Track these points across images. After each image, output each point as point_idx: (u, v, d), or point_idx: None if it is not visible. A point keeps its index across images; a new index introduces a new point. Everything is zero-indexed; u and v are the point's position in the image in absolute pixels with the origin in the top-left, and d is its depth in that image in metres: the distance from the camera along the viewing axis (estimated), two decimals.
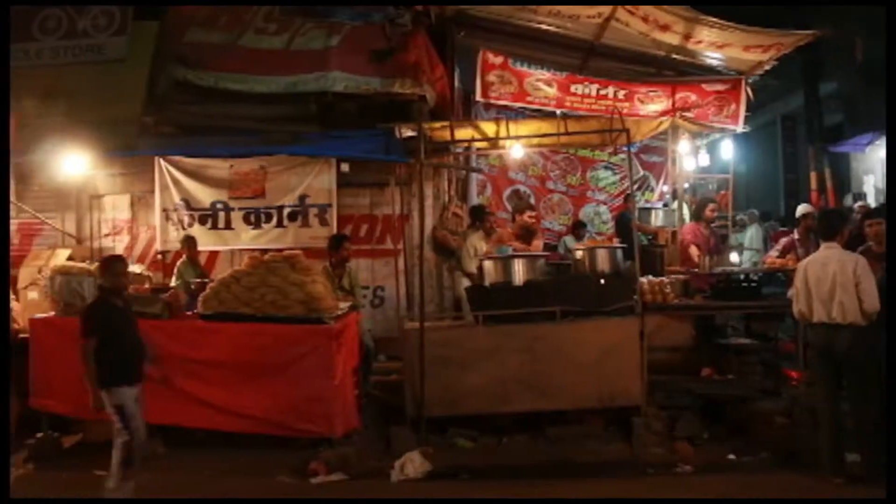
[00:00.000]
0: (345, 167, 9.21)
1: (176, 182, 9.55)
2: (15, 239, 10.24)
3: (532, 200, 11.20)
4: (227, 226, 9.56)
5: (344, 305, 7.47)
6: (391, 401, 7.77)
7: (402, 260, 9.10)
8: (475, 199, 10.79)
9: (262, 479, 6.60)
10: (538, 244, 8.39)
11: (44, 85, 8.73)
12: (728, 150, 10.90)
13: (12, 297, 8.21)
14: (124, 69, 8.52)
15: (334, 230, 9.22)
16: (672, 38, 8.94)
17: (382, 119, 8.11)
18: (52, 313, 7.67)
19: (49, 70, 8.71)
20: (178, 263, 9.18)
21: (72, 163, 8.34)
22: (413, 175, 8.86)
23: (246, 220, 9.52)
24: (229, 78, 8.33)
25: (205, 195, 9.55)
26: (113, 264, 6.19)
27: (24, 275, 9.06)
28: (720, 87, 9.57)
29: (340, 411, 6.87)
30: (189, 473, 6.80)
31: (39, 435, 7.48)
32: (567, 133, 8.36)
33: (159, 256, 9.82)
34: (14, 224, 10.15)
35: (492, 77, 9.38)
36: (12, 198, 9.52)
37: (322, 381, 6.80)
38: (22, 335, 7.85)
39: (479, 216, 9.47)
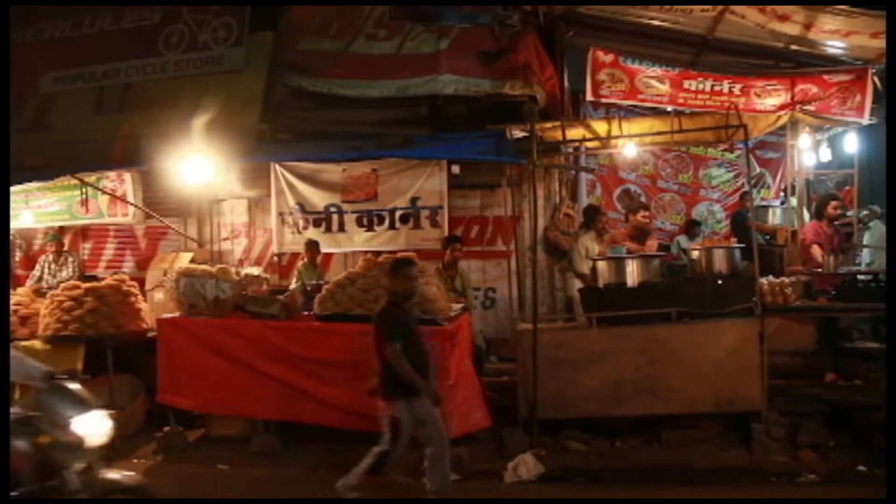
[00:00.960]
0: (455, 169, 9.35)
1: (291, 186, 9.91)
2: (142, 243, 10.85)
3: (643, 200, 11.06)
4: (341, 228, 9.85)
5: (457, 307, 7.57)
6: (502, 402, 7.79)
7: (513, 261, 9.13)
8: (585, 200, 10.73)
9: (375, 477, 6.75)
10: (652, 244, 8.28)
11: (167, 96, 9.16)
12: (852, 144, 10.46)
13: (140, 297, 8.69)
14: (242, 79, 8.82)
15: (445, 232, 9.36)
16: (791, 29, 8.62)
17: (492, 120, 8.14)
18: (178, 313, 8.06)
19: (172, 82, 9.11)
20: (299, 265, 9.51)
21: (193, 170, 8.74)
22: (524, 176, 8.91)
23: (358, 222, 9.78)
24: (342, 84, 8.53)
25: (319, 199, 9.87)
26: (404, 268, 6.01)
27: (150, 277, 9.59)
28: (844, 77, 9.16)
29: (455, 412, 6.94)
30: (305, 469, 7.07)
31: (167, 429, 7.88)
32: (681, 130, 8.20)
33: (275, 259, 10.20)
34: (141, 229, 10.76)
35: (602, 75, 9.31)
36: (141, 204, 10.08)
37: (439, 382, 6.90)
38: (150, 334, 8.30)
39: (592, 217, 9.43)
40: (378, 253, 8.41)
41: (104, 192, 9.99)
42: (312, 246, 9.55)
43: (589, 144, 8.74)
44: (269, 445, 7.56)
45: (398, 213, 9.68)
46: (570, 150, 8.86)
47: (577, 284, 8.92)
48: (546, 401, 7.05)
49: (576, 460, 6.81)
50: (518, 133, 8.23)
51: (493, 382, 8.38)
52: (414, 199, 9.61)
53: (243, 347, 7.49)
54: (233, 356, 7.52)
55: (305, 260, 9.53)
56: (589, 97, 9.51)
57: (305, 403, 7.32)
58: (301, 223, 9.96)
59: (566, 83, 9.42)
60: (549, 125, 8.29)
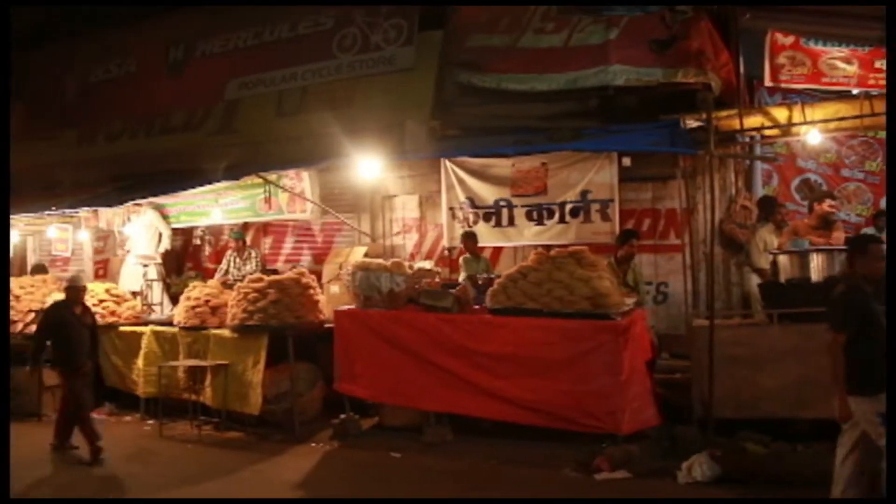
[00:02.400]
0: (626, 161, 9.24)
1: (461, 181, 10.12)
2: (319, 238, 11.39)
3: (825, 189, 10.47)
4: (510, 223, 9.96)
5: (630, 301, 7.50)
6: (675, 399, 7.66)
7: (687, 255, 8.92)
8: (760, 191, 10.30)
9: (546, 471, 6.80)
10: (839, 236, 7.83)
11: (341, 97, 9.57)
12: None
13: (318, 289, 9.15)
14: (412, 77, 9.07)
15: (616, 225, 9.27)
16: None
17: (665, 111, 7.98)
18: (353, 305, 8.44)
19: (346, 83, 9.51)
20: (461, 258, 9.70)
21: (366, 167, 9.09)
22: (698, 167, 8.69)
23: (528, 216, 9.85)
24: (511, 78, 8.61)
25: (488, 193, 10.03)
26: (873, 246, 5.30)
27: (326, 270, 10.07)
28: None
29: (627, 408, 6.90)
30: (476, 461, 7.18)
31: (342, 416, 8.27)
32: (873, 114, 7.71)
33: (446, 253, 10.44)
34: (317, 224, 11.30)
35: (782, 59, 8.93)
36: (318, 201, 10.59)
37: (608, 378, 6.88)
38: (327, 325, 8.73)
39: (770, 208, 9.04)
40: (548, 247, 8.47)
41: (284, 190, 10.57)
42: (470, 238, 9.73)
43: (766, 132, 8.40)
44: (440, 436, 7.78)
45: (568, 207, 9.67)
46: (746, 138, 8.55)
47: (755, 279, 8.59)
48: (722, 400, 6.85)
49: (754, 463, 6.56)
50: (692, 123, 8.02)
51: (665, 379, 8.22)
52: (584, 193, 9.57)
53: (416, 339, 7.74)
54: (406, 348, 7.79)
55: (467, 253, 9.72)
56: (767, 82, 9.13)
57: (476, 396, 7.48)
58: (471, 218, 10.15)
59: (741, 69, 9.08)
60: (724, 113, 8.03)
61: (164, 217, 11.71)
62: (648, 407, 7.15)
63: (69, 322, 8.01)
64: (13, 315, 10.75)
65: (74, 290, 8.22)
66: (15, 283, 11.56)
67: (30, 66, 13.55)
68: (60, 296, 10.97)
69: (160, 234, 11.93)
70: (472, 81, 8.78)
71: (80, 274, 8.80)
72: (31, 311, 10.61)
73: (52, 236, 12.63)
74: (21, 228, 12.77)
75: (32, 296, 11.33)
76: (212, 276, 11.10)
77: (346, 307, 8.47)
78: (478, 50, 8.90)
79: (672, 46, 8.31)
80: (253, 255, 10.89)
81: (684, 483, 6.31)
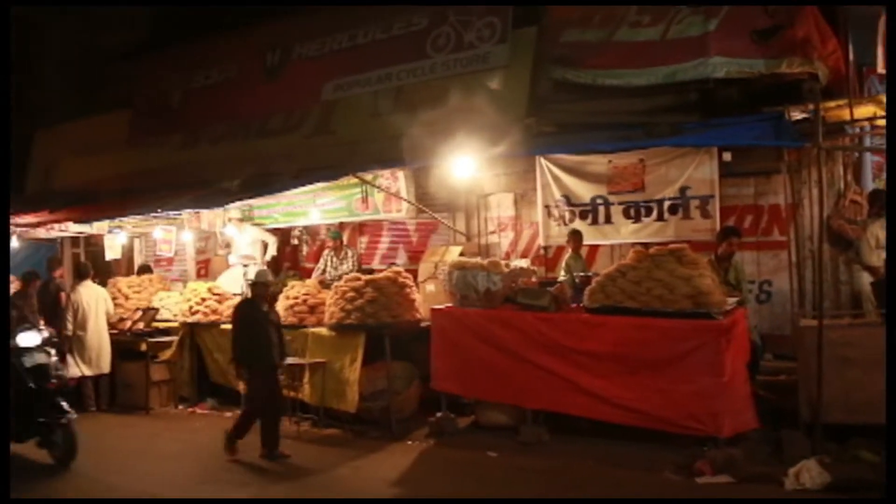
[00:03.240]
0: (727, 156, 8.99)
1: (556, 179, 10.04)
2: (414, 237, 11.49)
3: None
4: (607, 220, 9.83)
5: (732, 300, 7.30)
6: (780, 402, 7.43)
7: (792, 252, 8.62)
8: (870, 184, 9.87)
9: (646, 474, 6.69)
10: None
11: (436, 96, 9.61)
12: None
13: (414, 288, 9.21)
14: (507, 75, 9.05)
15: (717, 222, 9.05)
16: None
17: (768, 102, 7.72)
18: (450, 304, 8.47)
19: (441, 82, 9.55)
20: (566, 257, 9.62)
21: (461, 166, 9.11)
22: (804, 161, 8.39)
23: (625, 213, 9.71)
24: (607, 74, 8.47)
25: (584, 191, 9.92)
26: None
27: (422, 269, 10.14)
28: None
29: (728, 410, 6.71)
30: (572, 461, 7.14)
31: (439, 414, 8.31)
32: None
33: (542, 251, 10.38)
34: (412, 224, 11.40)
35: None
36: (413, 200, 10.67)
37: (709, 379, 6.71)
38: (423, 324, 8.79)
39: (882, 203, 8.65)
40: (647, 245, 8.32)
41: (380, 190, 10.70)
42: (576, 235, 9.64)
43: (877, 122, 8.03)
44: (536, 435, 7.73)
45: (666, 204, 9.49)
46: (856, 129, 8.20)
47: (867, 277, 8.23)
48: (831, 404, 6.60)
49: (867, 472, 6.28)
50: (797, 114, 7.74)
51: (769, 381, 7.99)
52: (683, 189, 9.38)
53: (513, 338, 7.71)
54: (503, 346, 7.78)
55: (570, 251, 9.63)
56: (879, 69, 8.73)
57: (574, 395, 7.41)
58: (567, 215, 10.07)
59: (851, 56, 8.71)
60: (833, 104, 7.72)
61: (252, 218, 11.95)
62: (748, 409, 6.95)
63: (258, 319, 8.01)
64: (122, 313, 11.22)
65: (261, 287, 8.24)
66: (123, 283, 12.08)
67: (136, 75, 14.11)
68: (168, 294, 11.44)
69: (265, 245, 12.26)
70: (568, 77, 8.68)
71: (264, 270, 8.89)
72: (138, 309, 11.06)
73: (157, 237, 13.13)
74: (129, 230, 13.31)
75: (139, 295, 11.81)
76: (309, 276, 11.33)
77: (442, 306, 8.50)
78: (572, 45, 8.79)
79: (775, 36, 8.02)
80: (350, 254, 11.06)
81: (791, 490, 6.09)
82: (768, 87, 7.99)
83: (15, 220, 13.01)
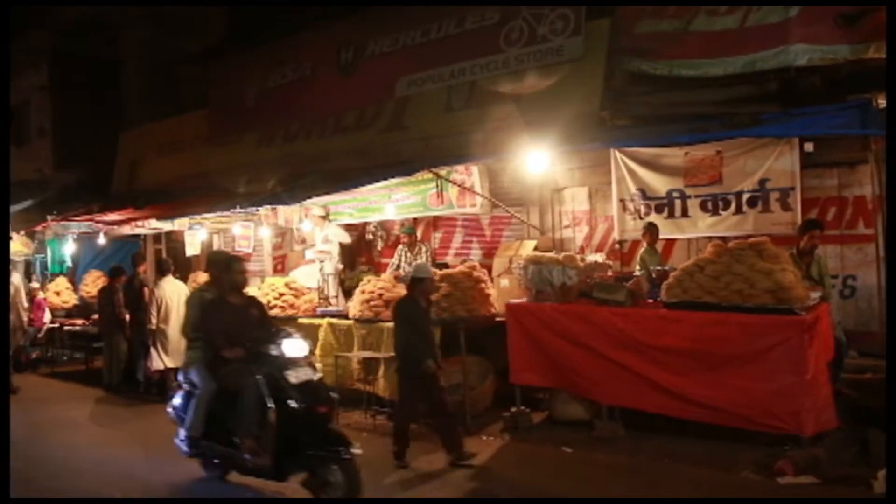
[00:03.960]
0: (808, 146, 8.74)
1: (631, 172, 9.92)
2: (487, 232, 11.50)
3: None
4: (684, 214, 9.67)
5: (815, 295, 7.11)
6: (865, 401, 7.18)
7: (879, 246, 8.35)
8: None
9: (724, 473, 6.56)
10: None
11: (508, 91, 9.62)
12: None
13: (489, 283, 9.22)
14: (581, 67, 9.00)
15: (798, 215, 8.83)
16: None
17: (854, 90, 7.47)
18: (525, 299, 8.46)
19: (514, 76, 9.55)
20: (641, 251, 9.51)
21: (535, 160, 9.08)
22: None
23: (703, 207, 9.54)
24: (683, 64, 8.36)
25: (660, 184, 9.78)
26: None
27: (496, 264, 10.14)
28: None
29: (811, 409, 6.54)
30: (648, 458, 7.05)
31: (513, 409, 8.29)
32: None
33: (617, 245, 10.27)
34: (486, 218, 11.41)
35: None
36: (487, 195, 10.68)
37: (791, 376, 6.55)
38: (498, 319, 8.79)
39: None
40: (725, 238, 8.16)
41: (454, 185, 10.73)
42: (652, 229, 9.52)
43: None
44: (611, 431, 7.67)
45: (745, 196, 9.28)
46: None
47: None
48: None
49: None
50: (884, 102, 7.48)
51: (854, 379, 7.74)
52: (762, 181, 9.15)
53: (589, 333, 7.66)
54: (578, 341, 7.73)
55: (646, 245, 9.52)
56: None
57: (650, 391, 7.32)
58: (642, 209, 9.94)
59: None
60: None
61: (327, 214, 12.10)
62: (829, 408, 6.74)
63: (419, 315, 7.47)
64: None
65: (427, 283, 7.59)
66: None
67: (213, 76, 14.48)
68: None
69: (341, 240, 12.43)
70: (643, 69, 8.59)
71: (423, 264, 8.70)
72: None
73: (236, 233, 13.41)
74: (209, 226, 13.64)
75: None
76: (383, 271, 11.45)
77: (517, 301, 8.50)
78: (647, 36, 8.70)
79: (861, 20, 7.79)
80: (423, 249, 11.13)
81: (881, 493, 5.88)
82: (853, 74, 7.76)
83: (101, 217, 13.49)
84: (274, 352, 6.38)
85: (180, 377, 7.40)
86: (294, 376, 6.26)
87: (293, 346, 6.45)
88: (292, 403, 6.14)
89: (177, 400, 7.26)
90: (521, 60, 9.53)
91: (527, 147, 8.32)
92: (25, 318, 13.23)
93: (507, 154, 8.91)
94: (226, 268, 7.02)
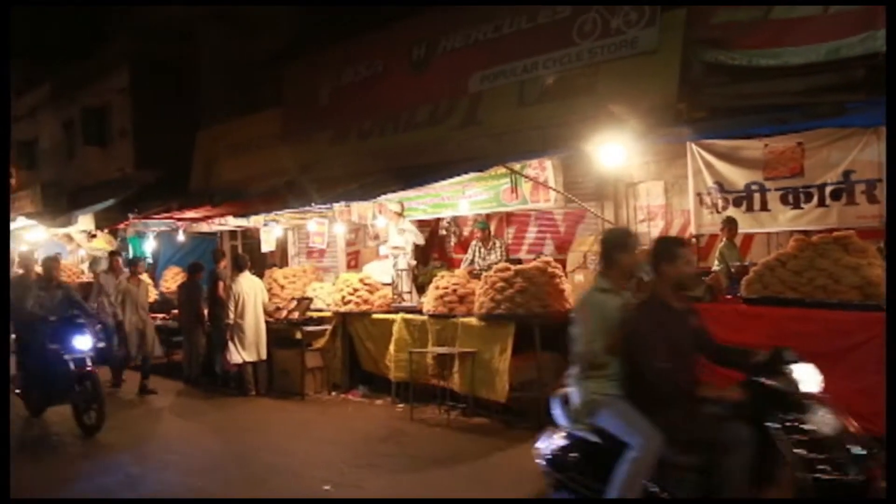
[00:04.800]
0: None
1: (708, 165, 9.76)
2: (561, 227, 11.44)
3: None
4: (763, 207, 9.47)
5: None
6: None
7: None
8: None
9: None
10: None
11: (583, 84, 9.54)
12: None
13: (564, 278, 9.17)
14: (656, 59, 8.88)
15: (885, 208, 8.55)
16: None
17: None
18: None
19: (587, 69, 9.48)
20: (720, 246, 9.35)
21: (610, 154, 8.99)
22: None
23: (783, 200, 9.32)
24: (762, 54, 8.16)
25: (738, 177, 9.60)
26: None
27: (570, 259, 10.09)
28: None
29: None
30: None
31: None
32: None
33: (693, 240, 10.11)
34: (560, 213, 11.35)
35: None
36: (561, 189, 10.62)
37: (876, 375, 6.32)
38: (573, 314, 8.71)
39: None
40: (807, 232, 7.96)
41: (528, 179, 10.70)
42: (731, 223, 9.35)
43: None
44: None
45: (828, 189, 9.03)
46: None
47: None
48: None
49: None
50: None
51: None
52: (847, 173, 8.89)
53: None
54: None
55: (725, 239, 9.35)
56: None
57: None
58: (720, 203, 9.76)
59: None
60: None
61: (401, 212, 12.19)
62: None
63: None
64: (278, 303, 11.75)
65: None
66: (279, 274, 12.64)
67: (287, 75, 14.73)
68: (321, 285, 11.87)
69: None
70: (720, 59, 8.42)
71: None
72: (293, 299, 11.54)
73: (311, 230, 13.64)
74: (283, 223, 13.90)
75: (294, 285, 12.33)
76: (456, 266, 11.49)
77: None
78: (724, 26, 8.53)
79: None
80: (497, 244, 11.13)
81: None
82: None
83: (180, 215, 13.86)
84: (782, 384, 4.30)
85: (566, 420, 5.12)
86: (817, 425, 4.25)
87: (806, 374, 4.39)
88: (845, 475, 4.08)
89: (553, 446, 5.20)
90: (595, 53, 9.45)
91: (601, 141, 8.25)
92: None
93: (580, 148, 8.85)
94: (671, 257, 4.83)
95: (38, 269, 10.50)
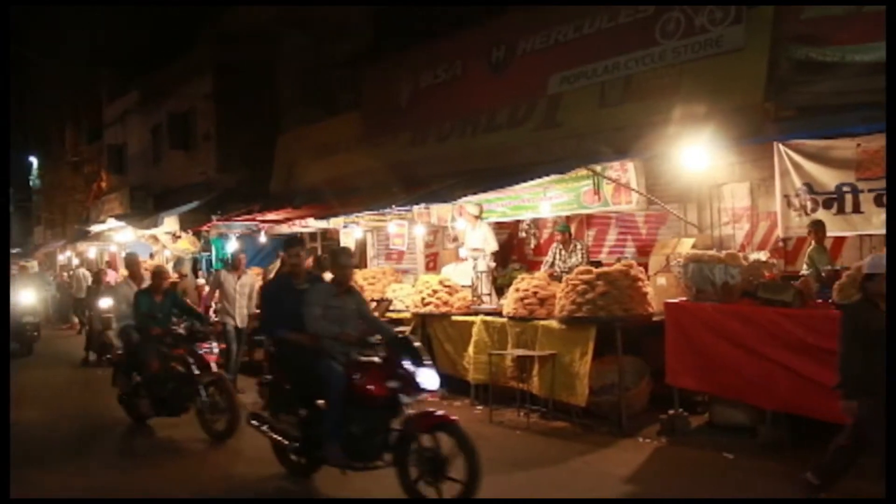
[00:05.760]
0: None
1: (797, 166, 9.49)
2: (642, 229, 11.29)
3: None
4: (855, 209, 9.15)
5: None
6: None
7: None
8: None
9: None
10: None
11: (666, 84, 9.42)
12: None
13: (646, 282, 9.05)
14: (742, 57, 8.71)
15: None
16: None
17: None
18: (683, 298, 8.25)
19: (671, 69, 9.35)
20: (809, 250, 9.09)
21: (694, 155, 8.86)
22: None
23: (877, 201, 8.98)
24: (856, 49, 7.92)
25: (828, 178, 9.30)
26: None
27: (653, 262, 9.95)
28: None
29: None
30: None
31: (671, 412, 8.10)
32: None
33: (780, 243, 9.85)
34: (641, 216, 11.19)
35: None
36: (643, 190, 10.48)
37: None
38: (655, 318, 8.62)
39: None
40: None
41: (610, 181, 10.59)
42: (819, 226, 9.08)
43: None
44: (776, 438, 7.35)
45: None
46: None
47: None
48: None
49: None
50: None
51: None
52: None
53: (753, 334, 7.37)
54: (741, 343, 7.45)
55: (814, 243, 9.09)
56: None
57: (818, 397, 6.93)
58: (809, 205, 9.46)
59: None
60: None
61: (480, 214, 12.17)
62: None
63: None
64: None
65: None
66: (359, 275, 12.78)
67: (366, 78, 14.93)
68: (400, 286, 11.96)
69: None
70: (811, 56, 8.20)
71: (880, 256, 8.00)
72: (373, 300, 11.64)
73: (391, 232, 13.77)
74: (363, 225, 14.05)
75: (374, 286, 12.44)
76: (535, 268, 11.44)
77: (675, 300, 8.30)
78: (815, 22, 8.30)
79: None
80: (578, 247, 11.04)
81: None
82: None
83: (262, 217, 14.16)
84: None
85: None
86: None
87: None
88: None
89: None
90: (679, 53, 9.33)
91: (685, 142, 8.13)
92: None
93: (664, 150, 8.73)
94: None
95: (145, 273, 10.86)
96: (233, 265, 12.18)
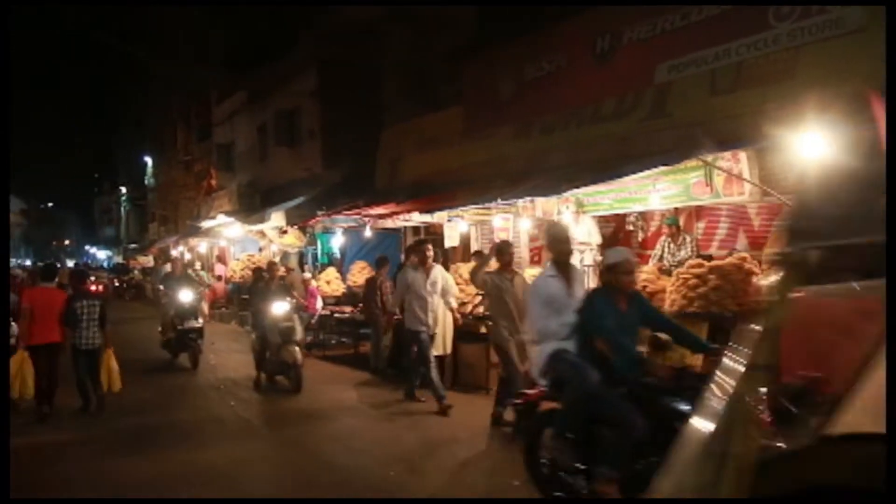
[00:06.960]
0: None
1: None
2: (755, 221, 10.92)
3: None
4: None
5: None
6: None
7: None
8: None
9: None
10: None
11: (781, 70, 9.07)
12: None
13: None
14: (863, 38, 8.30)
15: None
16: None
17: None
18: (801, 293, 7.92)
19: (786, 53, 9.00)
20: None
21: (810, 143, 8.47)
22: None
23: None
24: None
25: None
26: None
27: (767, 255, 9.59)
28: None
29: None
30: None
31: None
32: None
33: None
34: (754, 207, 10.81)
35: None
36: (757, 181, 10.13)
37: None
38: None
39: None
40: None
41: (722, 172, 10.27)
42: None
43: None
44: None
45: None
46: None
47: None
48: None
49: None
50: None
51: None
52: None
53: (880, 330, 7.05)
54: (867, 339, 7.14)
55: None
56: None
57: None
58: None
59: None
60: None
61: (583, 205, 12.00)
62: None
63: None
64: (464, 297, 11.91)
65: None
66: (464, 269, 12.82)
67: (468, 72, 14.92)
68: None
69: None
70: None
71: None
72: (477, 294, 11.66)
73: (496, 226, 13.76)
74: (467, 218, 14.08)
75: None
76: (642, 262, 11.21)
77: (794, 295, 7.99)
78: None
79: None
80: (687, 240, 10.78)
81: None
82: None
83: (367, 211, 14.36)
84: None
85: None
86: None
87: None
88: None
89: None
90: (794, 36, 8.95)
91: (802, 129, 7.78)
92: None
93: (779, 138, 8.40)
94: None
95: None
96: (419, 260, 10.70)
